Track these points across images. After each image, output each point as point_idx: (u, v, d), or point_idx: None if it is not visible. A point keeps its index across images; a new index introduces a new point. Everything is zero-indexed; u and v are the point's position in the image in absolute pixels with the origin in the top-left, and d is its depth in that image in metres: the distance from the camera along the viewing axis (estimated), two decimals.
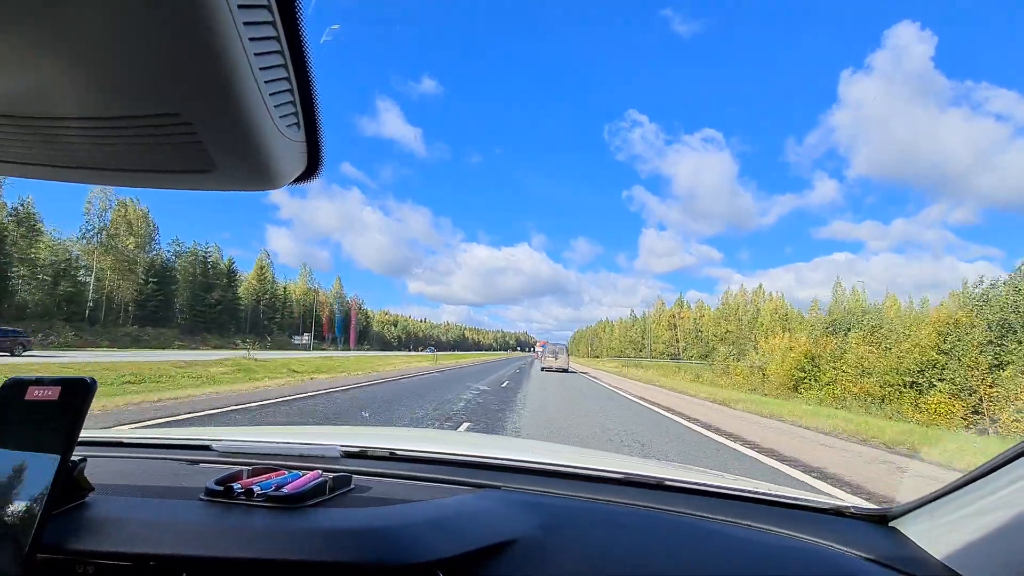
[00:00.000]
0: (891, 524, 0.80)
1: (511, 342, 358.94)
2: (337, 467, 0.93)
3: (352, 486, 0.82)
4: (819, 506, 0.88)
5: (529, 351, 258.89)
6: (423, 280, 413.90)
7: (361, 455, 1.06)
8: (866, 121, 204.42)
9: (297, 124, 0.42)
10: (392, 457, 1.06)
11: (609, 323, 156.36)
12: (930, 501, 0.75)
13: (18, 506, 0.57)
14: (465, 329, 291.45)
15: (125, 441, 1.19)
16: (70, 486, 0.65)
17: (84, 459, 0.67)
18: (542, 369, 31.97)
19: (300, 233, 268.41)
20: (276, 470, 0.81)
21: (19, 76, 0.34)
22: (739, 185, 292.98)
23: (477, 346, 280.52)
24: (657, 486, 0.94)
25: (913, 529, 0.76)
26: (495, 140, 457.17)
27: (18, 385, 0.64)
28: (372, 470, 0.96)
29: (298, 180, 0.48)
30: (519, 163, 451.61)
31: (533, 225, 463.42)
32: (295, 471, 0.80)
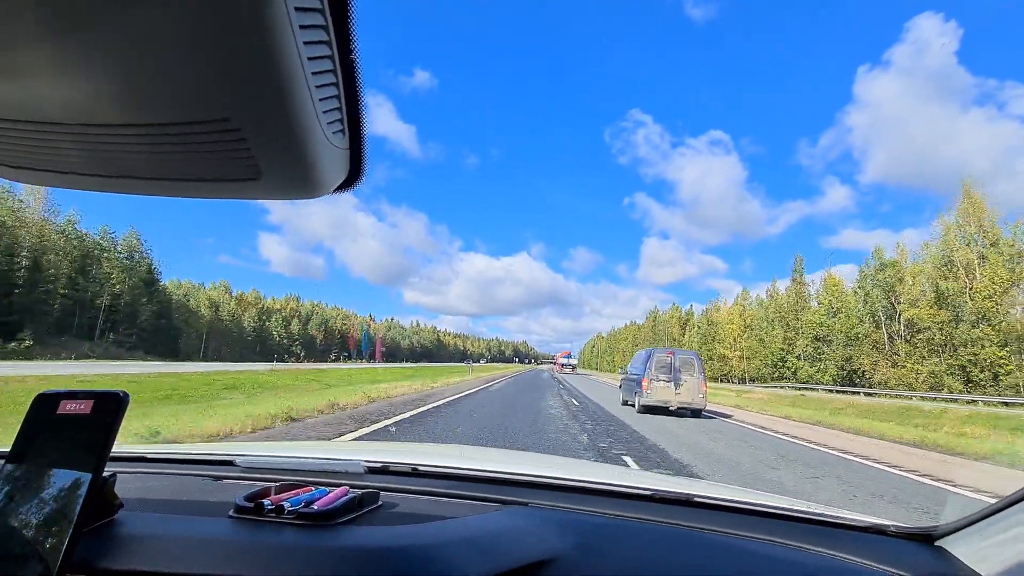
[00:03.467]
0: (937, 543, 0.76)
1: (507, 352, 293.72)
2: (363, 483, 0.91)
3: (380, 503, 0.80)
4: (858, 524, 0.84)
5: (531, 363, 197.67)
6: (419, 290, 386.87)
7: (384, 471, 1.05)
8: (883, 122, 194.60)
9: (343, 131, 0.41)
10: (415, 473, 1.05)
11: (684, 311, 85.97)
12: (979, 520, 0.71)
13: (49, 524, 0.56)
14: (445, 335, 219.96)
15: (148, 456, 1.18)
16: (100, 503, 0.63)
17: (114, 475, 0.65)
18: (642, 407, 13.32)
19: (292, 239, 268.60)
20: (303, 486, 0.79)
21: (72, 84, 0.33)
22: (747, 191, 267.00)
23: (463, 356, 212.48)
24: (686, 502, 0.91)
25: (962, 549, 0.72)
26: (492, 140, 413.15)
27: (50, 399, 0.63)
28: (397, 486, 0.95)
29: (339, 188, 0.46)
30: (517, 165, 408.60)
31: (532, 234, 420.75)
32: (322, 487, 0.78)
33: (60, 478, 0.58)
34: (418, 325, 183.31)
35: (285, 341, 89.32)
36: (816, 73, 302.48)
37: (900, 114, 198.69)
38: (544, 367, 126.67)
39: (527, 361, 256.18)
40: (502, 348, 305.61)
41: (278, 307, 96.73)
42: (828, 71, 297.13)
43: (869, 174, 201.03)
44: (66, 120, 0.37)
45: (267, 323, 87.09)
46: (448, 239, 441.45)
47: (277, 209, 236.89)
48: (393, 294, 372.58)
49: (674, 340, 77.87)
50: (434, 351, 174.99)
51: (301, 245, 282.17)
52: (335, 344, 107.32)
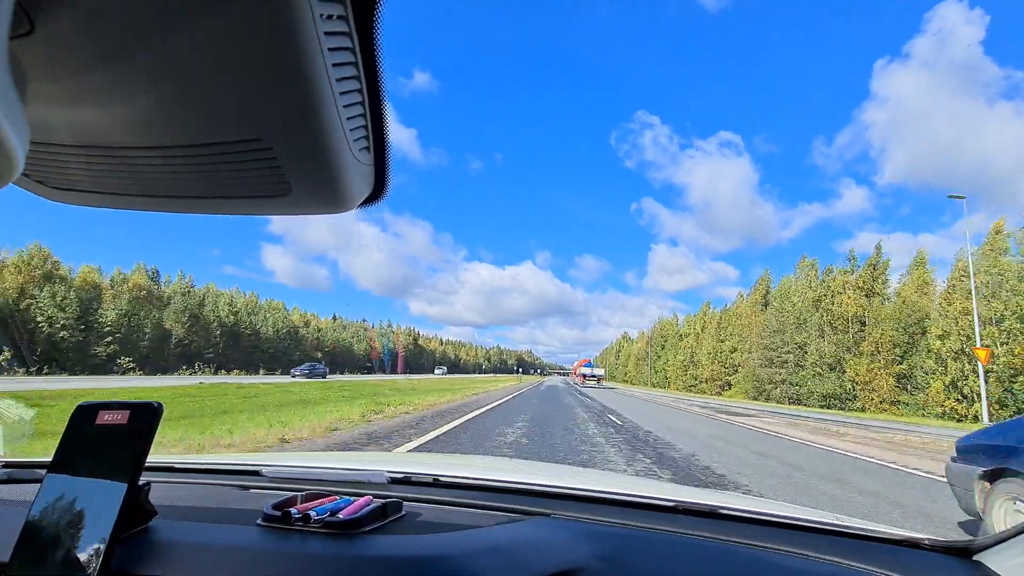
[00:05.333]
0: (975, 558, 0.74)
1: (510, 362, 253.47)
2: (386, 493, 0.92)
3: (404, 512, 0.81)
4: (892, 537, 0.82)
5: (535, 374, 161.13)
6: (425, 300, 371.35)
7: (406, 481, 1.05)
8: (902, 118, 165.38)
9: (368, 148, 0.42)
10: (437, 483, 1.05)
11: (851, 268, 43.66)
12: (1018, 534, 0.70)
13: (88, 531, 0.57)
14: (426, 339, 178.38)
15: (176, 466, 1.19)
16: (135, 511, 0.64)
17: (148, 484, 0.67)
18: None
19: (294, 250, 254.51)
20: (328, 495, 0.80)
21: (113, 110, 0.34)
22: (759, 194, 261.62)
23: (457, 365, 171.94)
24: (712, 514, 0.89)
25: (1001, 564, 0.70)
26: (495, 144, 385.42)
27: (89, 409, 0.65)
28: (419, 496, 0.95)
29: (365, 203, 0.47)
30: (521, 171, 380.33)
31: (537, 242, 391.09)
32: (346, 497, 0.79)
33: (99, 487, 0.60)
34: (390, 326, 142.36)
35: (66, 335, 47.86)
36: (831, 68, 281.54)
37: (921, 110, 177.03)
38: (557, 380, 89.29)
39: (533, 372, 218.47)
40: (504, 357, 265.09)
41: (80, 282, 55.88)
42: (843, 66, 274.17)
43: (887, 174, 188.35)
44: (107, 143, 0.38)
45: (31, 304, 46.19)
46: (453, 248, 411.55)
47: (277, 218, 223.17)
48: (399, 305, 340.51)
49: (845, 327, 35.60)
50: (410, 358, 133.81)
51: (303, 255, 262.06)
52: (209, 346, 65.10)
